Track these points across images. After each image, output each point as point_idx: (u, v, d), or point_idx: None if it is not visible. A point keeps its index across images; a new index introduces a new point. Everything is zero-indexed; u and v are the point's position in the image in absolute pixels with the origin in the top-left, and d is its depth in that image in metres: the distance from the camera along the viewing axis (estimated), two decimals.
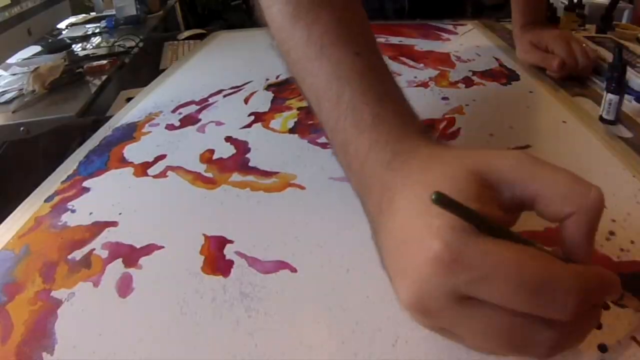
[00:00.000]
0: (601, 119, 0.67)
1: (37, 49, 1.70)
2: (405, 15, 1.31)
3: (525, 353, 0.29)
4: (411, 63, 0.92)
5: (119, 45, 1.69)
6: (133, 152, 0.66)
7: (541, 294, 0.26)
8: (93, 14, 2.35)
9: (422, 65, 0.91)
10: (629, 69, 0.76)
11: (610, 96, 0.66)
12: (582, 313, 0.28)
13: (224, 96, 0.83)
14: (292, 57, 0.45)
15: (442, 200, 0.27)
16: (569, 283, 0.27)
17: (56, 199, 0.57)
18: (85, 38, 1.88)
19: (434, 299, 0.28)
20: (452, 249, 0.27)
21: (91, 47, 1.75)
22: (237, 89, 0.85)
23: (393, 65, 0.91)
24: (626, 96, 0.73)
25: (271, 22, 0.48)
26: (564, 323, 0.28)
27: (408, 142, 0.35)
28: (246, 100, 0.80)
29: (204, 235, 0.48)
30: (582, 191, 0.30)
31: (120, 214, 0.53)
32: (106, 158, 0.65)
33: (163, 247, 0.47)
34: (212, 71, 1.00)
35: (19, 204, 0.57)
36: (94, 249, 0.48)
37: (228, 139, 0.67)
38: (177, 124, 0.73)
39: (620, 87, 0.65)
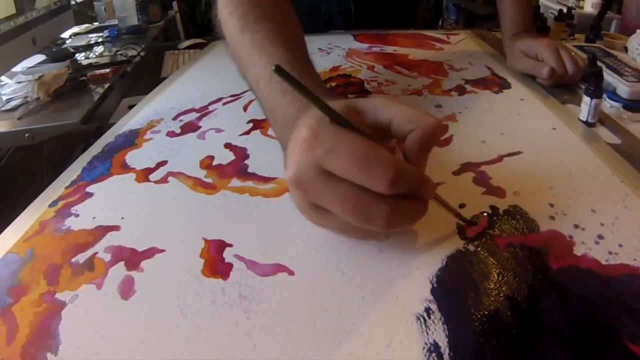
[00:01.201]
0: (582, 121, 0.69)
1: (41, 57, 1.70)
2: (352, 18, 1.30)
3: (368, 221, 0.37)
4: (405, 72, 0.92)
5: (121, 54, 1.69)
6: (135, 158, 0.66)
7: (366, 168, 0.35)
8: (96, 23, 2.36)
9: (415, 73, 0.91)
10: (616, 76, 0.76)
11: (589, 100, 0.68)
12: (406, 200, 0.38)
13: (224, 104, 0.83)
14: (241, 56, 0.58)
15: (280, 70, 0.35)
16: (387, 163, 0.35)
17: (60, 203, 0.57)
18: (89, 47, 1.89)
19: (304, 172, 0.37)
20: (313, 131, 0.37)
21: (94, 56, 1.75)
22: (236, 97, 0.85)
23: (388, 74, 0.91)
24: (614, 103, 0.73)
25: (227, 34, 0.63)
26: (396, 201, 0.36)
27: None
28: (245, 108, 0.80)
29: (204, 239, 0.48)
30: (423, 117, 0.39)
31: (122, 218, 0.53)
32: (109, 164, 0.65)
33: (164, 250, 0.47)
34: (212, 79, 1.00)
35: (24, 208, 0.57)
36: (97, 253, 0.48)
37: (227, 145, 0.68)
38: (178, 131, 0.74)
39: (597, 91, 0.68)
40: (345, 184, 0.36)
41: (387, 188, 0.35)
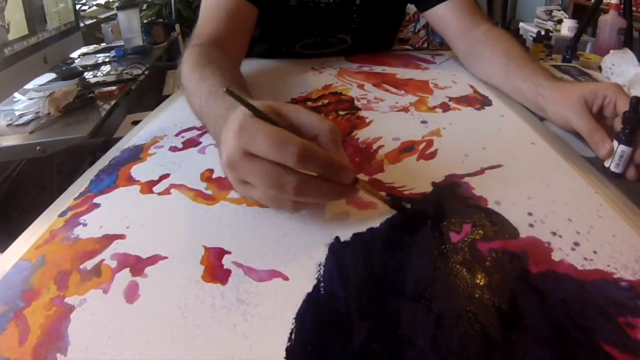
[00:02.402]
0: (606, 170, 0.61)
1: (52, 75, 1.71)
2: None
3: (281, 189, 0.43)
4: (393, 90, 0.93)
5: (126, 73, 1.70)
6: (140, 171, 0.66)
7: (280, 147, 0.41)
8: (103, 44, 2.37)
9: (402, 91, 0.92)
10: None
11: (622, 148, 0.59)
12: (320, 178, 0.44)
13: None
14: (190, 87, 0.73)
15: (230, 92, 0.44)
16: (296, 143, 0.42)
17: (69, 213, 0.57)
18: (96, 66, 1.90)
19: (234, 155, 0.44)
20: (240, 124, 0.44)
21: (101, 74, 1.76)
22: None
23: (376, 92, 0.92)
24: None
25: (182, 77, 0.80)
26: (306, 175, 0.43)
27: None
28: None
29: (204, 246, 0.48)
30: (320, 123, 0.46)
31: (127, 227, 0.53)
32: (115, 177, 0.65)
33: (167, 257, 0.47)
34: None
35: (36, 217, 0.57)
36: (103, 259, 0.48)
37: None
38: (180, 146, 0.74)
39: (632, 138, 0.58)
40: (264, 162, 0.43)
41: (296, 162, 0.41)
